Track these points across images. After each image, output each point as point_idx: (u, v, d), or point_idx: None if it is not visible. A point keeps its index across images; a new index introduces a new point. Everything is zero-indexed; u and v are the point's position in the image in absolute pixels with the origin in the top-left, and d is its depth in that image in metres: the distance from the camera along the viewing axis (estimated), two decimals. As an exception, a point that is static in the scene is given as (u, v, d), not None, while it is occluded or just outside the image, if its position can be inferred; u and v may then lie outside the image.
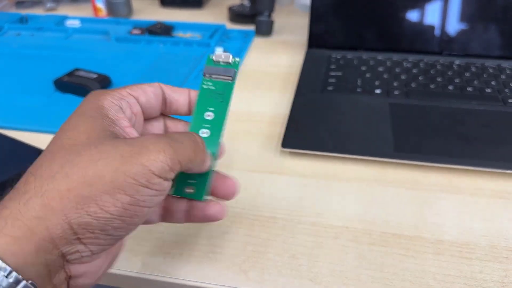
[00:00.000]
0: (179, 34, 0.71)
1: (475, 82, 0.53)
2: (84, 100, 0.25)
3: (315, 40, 0.63)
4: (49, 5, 0.86)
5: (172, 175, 0.22)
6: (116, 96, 0.26)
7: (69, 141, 0.22)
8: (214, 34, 0.71)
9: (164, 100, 0.29)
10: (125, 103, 0.26)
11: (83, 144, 0.21)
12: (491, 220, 0.35)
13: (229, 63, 0.29)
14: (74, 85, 0.52)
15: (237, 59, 0.29)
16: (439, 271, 0.30)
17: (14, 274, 0.18)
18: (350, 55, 0.60)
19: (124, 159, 0.20)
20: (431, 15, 0.59)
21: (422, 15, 0.59)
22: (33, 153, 0.41)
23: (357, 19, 0.61)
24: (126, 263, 0.31)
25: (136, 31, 0.71)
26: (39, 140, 0.45)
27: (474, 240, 0.33)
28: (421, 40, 0.60)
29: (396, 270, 0.30)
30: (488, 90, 0.51)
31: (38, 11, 0.85)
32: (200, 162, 0.24)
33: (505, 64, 0.56)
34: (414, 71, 0.55)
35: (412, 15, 0.59)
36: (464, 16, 0.58)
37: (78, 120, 0.23)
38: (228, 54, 0.29)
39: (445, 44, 0.59)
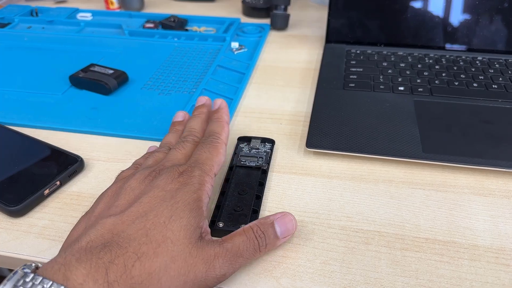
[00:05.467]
0: (193, 28, 0.70)
1: (500, 79, 0.51)
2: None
3: (334, 35, 0.62)
4: (59, -3, 0.84)
5: None
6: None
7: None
8: (229, 28, 0.70)
9: None
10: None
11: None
12: (526, 224, 0.34)
13: None
14: (90, 81, 0.51)
15: None
16: (476, 278, 0.29)
17: None
18: (369, 50, 0.59)
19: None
20: (452, 10, 0.57)
21: (442, 10, 0.58)
22: (47, 151, 0.40)
23: (377, 13, 0.59)
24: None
25: (149, 25, 0.69)
26: (54, 138, 0.44)
27: (510, 245, 0.32)
28: (443, 35, 0.58)
29: (431, 277, 0.29)
30: (515, 88, 0.49)
31: (48, 4, 0.84)
32: None
33: (530, 60, 0.55)
34: (437, 67, 0.54)
35: (433, 10, 0.58)
36: (486, 12, 0.56)
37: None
38: None
39: (467, 40, 0.58)
